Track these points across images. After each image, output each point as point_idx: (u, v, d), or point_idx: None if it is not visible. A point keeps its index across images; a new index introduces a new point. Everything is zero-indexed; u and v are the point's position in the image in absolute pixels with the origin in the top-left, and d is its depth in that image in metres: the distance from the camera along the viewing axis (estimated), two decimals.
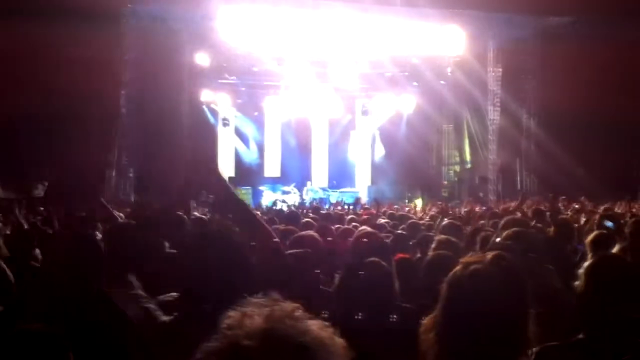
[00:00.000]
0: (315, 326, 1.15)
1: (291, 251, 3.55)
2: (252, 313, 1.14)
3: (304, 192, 24.05)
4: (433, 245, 4.50)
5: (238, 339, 1.09)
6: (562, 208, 9.53)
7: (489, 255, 1.89)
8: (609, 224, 5.52)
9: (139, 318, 2.28)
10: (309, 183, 24.67)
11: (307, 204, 19.13)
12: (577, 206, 9.10)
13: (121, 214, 9.59)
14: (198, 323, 2.14)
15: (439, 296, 1.87)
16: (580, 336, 2.33)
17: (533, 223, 6.04)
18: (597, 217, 6.21)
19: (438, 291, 1.88)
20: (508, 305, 1.79)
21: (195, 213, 7.98)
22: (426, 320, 1.93)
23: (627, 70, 17.67)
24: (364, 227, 6.18)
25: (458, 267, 1.89)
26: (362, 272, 2.92)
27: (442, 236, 4.78)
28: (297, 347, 1.09)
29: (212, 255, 2.24)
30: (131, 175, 19.35)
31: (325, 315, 1.96)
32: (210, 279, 2.20)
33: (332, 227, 6.67)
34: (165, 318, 2.27)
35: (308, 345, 1.10)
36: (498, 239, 4.03)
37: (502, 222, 5.04)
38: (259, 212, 9.65)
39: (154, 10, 18.10)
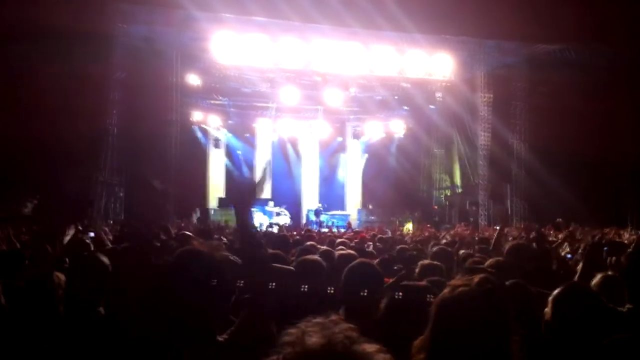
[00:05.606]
0: (373, 349, 1.16)
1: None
2: (312, 331, 1.18)
3: (304, 214, 24.26)
4: (417, 270, 4.44)
5: (300, 355, 1.13)
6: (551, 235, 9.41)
7: (475, 278, 1.92)
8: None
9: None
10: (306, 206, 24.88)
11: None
12: (561, 235, 8.99)
13: (110, 237, 9.50)
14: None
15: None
16: None
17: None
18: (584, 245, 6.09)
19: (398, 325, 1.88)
20: (492, 326, 1.82)
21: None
22: (416, 342, 1.96)
23: (616, 96, 17.80)
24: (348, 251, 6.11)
25: (446, 290, 1.92)
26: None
27: (426, 261, 4.72)
28: None
29: (190, 275, 2.18)
30: (121, 195, 19.24)
31: None
32: (189, 300, 2.15)
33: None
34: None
35: None
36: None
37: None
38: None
39: (144, 31, 18.16)
